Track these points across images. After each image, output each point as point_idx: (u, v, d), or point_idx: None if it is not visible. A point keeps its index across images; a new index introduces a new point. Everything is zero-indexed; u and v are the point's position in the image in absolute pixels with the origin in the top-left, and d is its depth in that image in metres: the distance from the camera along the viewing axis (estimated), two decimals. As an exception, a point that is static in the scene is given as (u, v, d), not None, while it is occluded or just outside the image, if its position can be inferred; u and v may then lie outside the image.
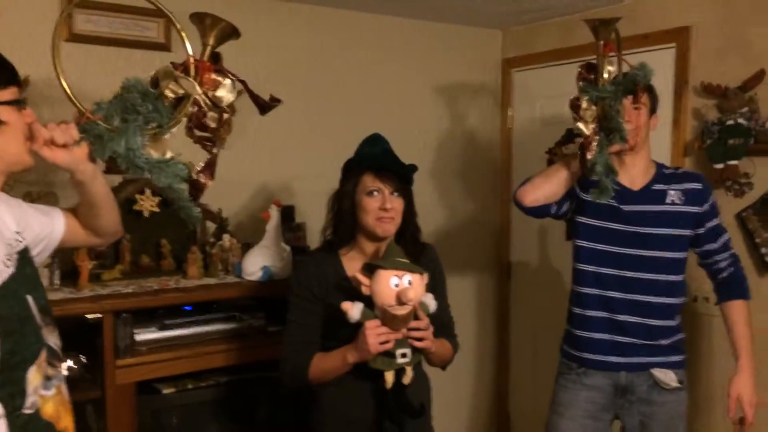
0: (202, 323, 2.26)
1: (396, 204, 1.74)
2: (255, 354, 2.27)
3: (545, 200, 2.01)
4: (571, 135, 2.33)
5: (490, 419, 3.57)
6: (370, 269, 1.64)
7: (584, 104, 1.78)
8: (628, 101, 1.89)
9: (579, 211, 2.07)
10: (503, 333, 3.55)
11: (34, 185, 2.12)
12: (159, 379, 2.20)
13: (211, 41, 1.43)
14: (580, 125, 1.80)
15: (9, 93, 1.25)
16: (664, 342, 2.02)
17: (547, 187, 2.00)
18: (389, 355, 1.63)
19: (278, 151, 2.81)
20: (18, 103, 1.27)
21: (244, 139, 2.73)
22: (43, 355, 1.29)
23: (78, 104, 1.30)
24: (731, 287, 2.07)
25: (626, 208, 2.01)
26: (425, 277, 1.67)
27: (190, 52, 1.37)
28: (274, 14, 2.80)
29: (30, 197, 2.12)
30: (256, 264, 2.28)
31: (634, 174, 2.04)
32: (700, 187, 2.04)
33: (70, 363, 2.09)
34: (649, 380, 2.01)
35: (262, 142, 2.78)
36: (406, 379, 1.67)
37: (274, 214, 2.36)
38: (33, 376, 1.26)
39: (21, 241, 1.32)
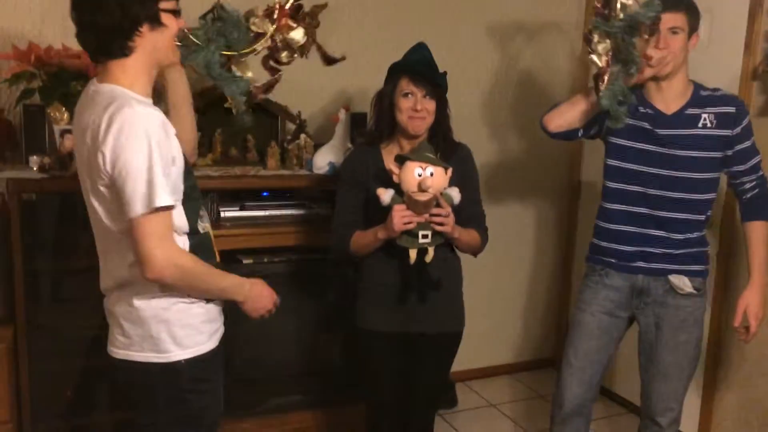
0: (277, 207, 2.63)
1: (427, 105, 1.99)
2: (321, 238, 2.59)
3: (568, 126, 2.15)
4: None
5: (553, 323, 3.82)
6: (400, 160, 1.91)
7: (596, 38, 1.89)
8: (664, 27, 1.98)
9: (612, 132, 2.15)
10: (569, 247, 3.72)
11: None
12: (240, 251, 2.61)
13: None
14: (594, 57, 1.91)
15: (171, 3, 1.57)
16: (684, 251, 2.14)
17: (570, 114, 2.13)
18: (413, 235, 1.91)
19: (357, 62, 3.04)
20: (176, 13, 1.58)
21: (325, 49, 3.00)
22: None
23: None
24: (754, 207, 2.15)
25: (659, 131, 2.09)
26: (449, 172, 1.91)
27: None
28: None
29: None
30: (324, 160, 2.60)
31: (669, 98, 2.11)
32: (733, 111, 2.08)
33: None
34: (666, 285, 2.15)
35: (342, 52, 3.03)
36: (428, 257, 1.95)
37: (343, 117, 2.66)
38: (201, 210, 1.70)
39: None
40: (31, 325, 2.34)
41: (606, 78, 1.91)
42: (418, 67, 1.99)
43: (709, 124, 2.08)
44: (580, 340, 2.25)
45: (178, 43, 1.67)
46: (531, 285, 3.73)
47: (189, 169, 1.65)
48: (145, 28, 1.52)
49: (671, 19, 2.01)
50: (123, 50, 1.52)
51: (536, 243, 3.70)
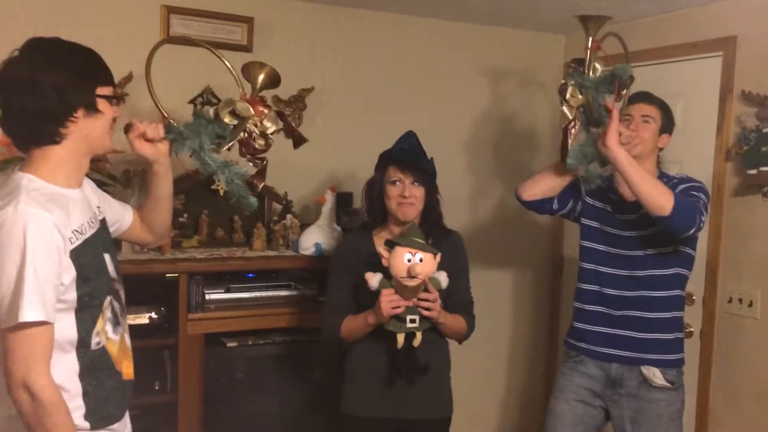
0: (263, 289, 2.62)
1: (416, 192, 2.03)
2: (307, 319, 2.60)
3: (542, 195, 2.22)
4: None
5: (539, 400, 3.76)
6: (390, 245, 1.93)
7: (570, 90, 1.96)
8: (637, 114, 2.09)
9: (584, 214, 2.27)
10: (553, 324, 3.71)
11: (132, 164, 2.54)
12: (225, 334, 2.58)
13: (258, 84, 1.80)
14: (565, 109, 1.99)
15: (107, 90, 1.51)
16: (658, 337, 2.14)
17: (544, 183, 2.21)
18: (400, 319, 1.92)
19: (343, 144, 3.12)
20: (111, 99, 1.53)
21: (312, 130, 3.05)
22: (109, 303, 1.53)
23: (162, 111, 1.67)
24: None
25: (620, 217, 2.19)
26: (438, 257, 1.93)
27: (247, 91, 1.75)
28: (340, 21, 3.09)
29: (128, 174, 2.54)
30: (310, 240, 2.61)
31: None
32: (675, 181, 2.15)
33: (152, 314, 2.51)
34: (639, 376, 2.14)
35: (328, 134, 3.10)
36: (416, 342, 1.95)
37: (329, 198, 2.69)
38: (100, 320, 1.50)
39: (101, 213, 1.61)
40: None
41: (573, 132, 1.97)
42: (405, 155, 2.04)
43: None
44: (554, 430, 2.23)
45: (168, 135, 1.64)
46: (511, 364, 3.68)
47: (95, 271, 1.49)
48: (79, 114, 1.44)
49: (644, 109, 2.15)
50: (53, 137, 1.43)
51: (517, 321, 3.68)
